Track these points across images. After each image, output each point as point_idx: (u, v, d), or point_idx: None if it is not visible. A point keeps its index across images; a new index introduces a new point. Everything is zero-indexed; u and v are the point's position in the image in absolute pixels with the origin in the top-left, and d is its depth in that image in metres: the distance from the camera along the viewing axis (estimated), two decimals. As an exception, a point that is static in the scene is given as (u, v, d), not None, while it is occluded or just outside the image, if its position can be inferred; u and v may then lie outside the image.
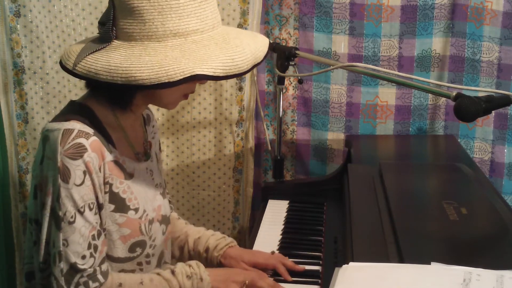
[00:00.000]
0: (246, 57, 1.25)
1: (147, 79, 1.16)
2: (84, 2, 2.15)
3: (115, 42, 1.26)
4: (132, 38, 1.24)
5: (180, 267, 1.35)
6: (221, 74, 1.20)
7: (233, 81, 2.24)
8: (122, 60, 1.20)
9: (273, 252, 1.57)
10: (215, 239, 1.57)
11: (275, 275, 1.47)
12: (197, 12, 1.23)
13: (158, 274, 1.33)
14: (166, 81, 1.16)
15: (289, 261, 1.51)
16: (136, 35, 1.23)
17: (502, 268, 1.13)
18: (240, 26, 2.18)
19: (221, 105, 2.27)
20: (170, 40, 1.22)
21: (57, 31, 2.14)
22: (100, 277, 1.25)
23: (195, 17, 1.23)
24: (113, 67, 1.19)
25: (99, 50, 1.25)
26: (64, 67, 1.28)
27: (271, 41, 2.03)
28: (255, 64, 1.28)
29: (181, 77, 1.16)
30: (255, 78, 2.23)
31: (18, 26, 2.09)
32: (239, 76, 1.27)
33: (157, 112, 2.28)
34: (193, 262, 1.37)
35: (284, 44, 2.21)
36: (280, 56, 1.90)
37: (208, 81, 2.22)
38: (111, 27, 1.26)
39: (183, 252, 1.60)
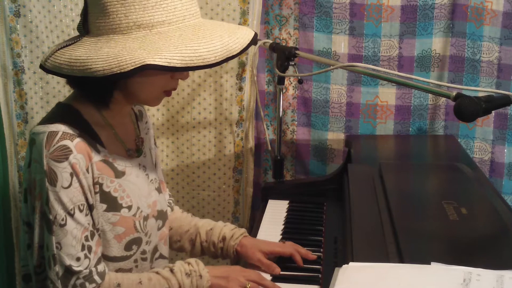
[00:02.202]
0: (213, 48, 1.21)
1: (101, 70, 1.16)
2: (84, 2, 2.14)
3: (85, 38, 1.27)
4: (99, 32, 1.25)
5: (179, 265, 1.34)
6: (178, 65, 1.17)
7: (233, 81, 2.24)
8: (83, 53, 1.21)
9: (283, 242, 1.58)
10: (229, 229, 1.58)
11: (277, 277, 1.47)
12: (163, 3, 1.22)
13: (157, 273, 1.32)
14: (118, 71, 1.15)
15: (303, 249, 1.53)
16: (102, 28, 1.24)
17: (502, 268, 1.13)
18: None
19: (221, 105, 2.27)
20: (135, 32, 1.22)
21: (57, 31, 2.14)
22: (96, 277, 1.25)
23: (161, 8, 1.21)
24: (74, 60, 1.21)
25: (69, 45, 1.26)
26: (40, 65, 1.30)
27: (271, 41, 2.03)
28: (228, 56, 1.24)
29: (132, 68, 1.14)
30: (255, 78, 2.23)
31: (18, 26, 2.09)
32: (208, 68, 1.23)
33: (157, 112, 2.28)
34: (192, 260, 1.36)
35: (284, 44, 2.21)
36: (280, 56, 1.90)
37: (208, 81, 2.24)
38: (82, 23, 1.28)
39: (194, 245, 1.60)
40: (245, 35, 1.31)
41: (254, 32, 1.34)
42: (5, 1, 2.06)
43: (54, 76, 2.13)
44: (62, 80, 2.15)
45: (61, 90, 2.19)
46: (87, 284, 1.24)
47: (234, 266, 1.45)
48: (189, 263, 1.35)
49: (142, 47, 1.18)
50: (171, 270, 1.33)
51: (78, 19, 2.13)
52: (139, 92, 1.30)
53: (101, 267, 1.27)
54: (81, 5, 2.13)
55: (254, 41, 1.32)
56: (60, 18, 2.14)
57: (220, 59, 1.22)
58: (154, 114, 2.28)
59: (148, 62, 1.14)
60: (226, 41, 1.24)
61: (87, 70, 1.18)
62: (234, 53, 1.25)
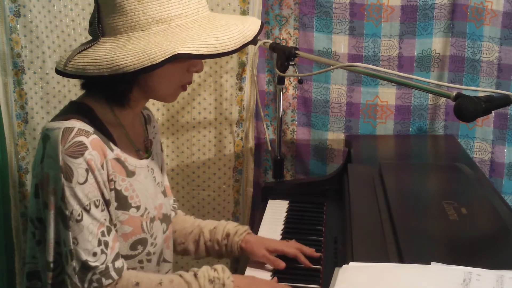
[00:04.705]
0: (232, 36, 1.25)
1: (131, 65, 1.18)
2: (84, 2, 2.15)
3: (102, 39, 1.28)
4: (117, 32, 1.26)
5: (204, 270, 1.32)
6: (205, 53, 1.20)
7: (233, 81, 2.24)
8: (107, 52, 1.22)
9: (286, 240, 1.58)
10: (232, 225, 1.59)
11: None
12: None
13: (180, 275, 1.31)
14: (149, 64, 1.17)
15: (307, 248, 1.53)
16: (120, 27, 1.25)
17: (502, 268, 1.13)
18: (240, 26, 2.18)
19: (221, 105, 2.27)
20: (154, 27, 1.24)
21: (57, 31, 2.14)
22: (113, 274, 1.25)
23: (176, 2, 1.24)
24: (99, 59, 1.21)
25: (87, 48, 1.27)
26: (57, 71, 1.30)
27: (271, 41, 2.03)
28: (245, 43, 1.28)
29: (163, 59, 1.17)
30: (255, 78, 2.24)
31: (18, 26, 2.09)
32: (229, 54, 1.26)
33: (157, 112, 2.28)
34: (219, 266, 1.34)
35: (284, 44, 2.21)
36: (280, 56, 1.90)
37: (208, 81, 2.24)
38: (97, 25, 1.28)
39: (199, 245, 1.60)
40: (254, 23, 1.35)
41: (260, 21, 1.38)
42: (5, 1, 2.06)
43: (54, 76, 2.15)
44: (62, 80, 2.17)
45: (61, 90, 2.19)
46: (103, 279, 1.24)
47: (262, 278, 1.43)
48: (215, 269, 1.33)
49: (167, 39, 1.20)
50: (195, 275, 1.31)
51: (78, 19, 2.15)
52: (158, 87, 1.32)
53: (118, 263, 1.27)
54: (81, 5, 2.14)
55: (262, 28, 1.36)
56: (60, 18, 2.14)
57: (238, 46, 1.26)
58: (154, 114, 2.27)
59: (178, 52, 1.17)
60: (241, 28, 1.28)
61: (115, 67, 1.19)
62: (249, 40, 1.29)
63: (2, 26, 2.08)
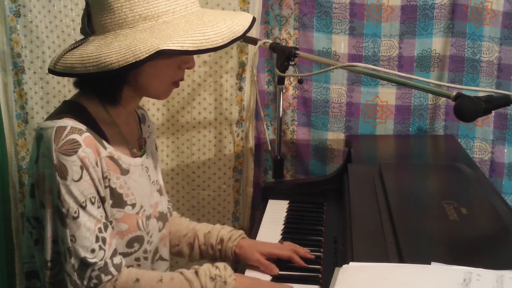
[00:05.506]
0: (220, 31, 1.24)
1: (115, 62, 1.18)
2: (84, 2, 2.14)
3: (92, 37, 1.29)
4: (106, 29, 1.26)
5: (205, 268, 1.32)
6: (191, 49, 1.20)
7: (233, 81, 2.24)
8: (94, 50, 1.23)
9: (281, 242, 1.58)
10: (227, 231, 1.59)
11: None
12: None
13: (181, 273, 1.31)
14: (133, 61, 1.17)
15: (301, 249, 1.53)
16: (108, 25, 1.26)
17: (502, 268, 1.13)
18: (240, 26, 2.18)
19: (221, 105, 2.27)
20: (141, 24, 1.24)
21: (57, 31, 2.14)
22: (112, 269, 1.26)
23: None
24: (86, 57, 1.22)
25: (76, 47, 1.28)
26: (49, 70, 1.31)
27: (271, 41, 2.03)
28: (234, 38, 1.27)
29: (147, 55, 1.17)
30: (255, 78, 2.24)
31: (18, 26, 2.09)
32: (217, 50, 1.25)
33: (157, 112, 2.28)
34: (221, 264, 1.34)
35: (284, 44, 2.21)
36: (280, 56, 1.89)
37: (208, 81, 2.24)
38: (87, 24, 1.29)
39: (193, 248, 1.60)
40: (245, 18, 1.34)
41: (252, 16, 1.37)
42: (5, 1, 2.06)
43: (54, 76, 2.15)
44: (62, 80, 2.16)
45: (61, 90, 2.19)
46: (102, 276, 1.24)
47: (264, 280, 1.42)
48: (216, 267, 1.33)
49: (153, 36, 1.20)
50: (196, 272, 1.31)
51: (78, 19, 2.15)
52: (149, 85, 1.32)
53: (117, 259, 1.28)
54: (81, 5, 2.14)
55: (253, 23, 1.35)
56: (60, 18, 2.14)
57: (226, 41, 1.25)
58: (154, 114, 2.28)
59: (162, 48, 1.17)
60: (230, 24, 1.27)
61: (101, 65, 1.19)
62: (238, 35, 1.28)
63: (2, 26, 2.08)
